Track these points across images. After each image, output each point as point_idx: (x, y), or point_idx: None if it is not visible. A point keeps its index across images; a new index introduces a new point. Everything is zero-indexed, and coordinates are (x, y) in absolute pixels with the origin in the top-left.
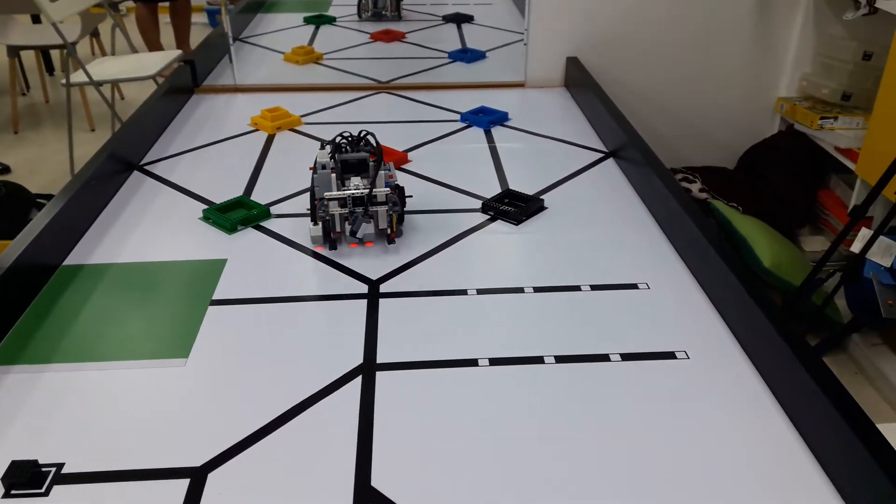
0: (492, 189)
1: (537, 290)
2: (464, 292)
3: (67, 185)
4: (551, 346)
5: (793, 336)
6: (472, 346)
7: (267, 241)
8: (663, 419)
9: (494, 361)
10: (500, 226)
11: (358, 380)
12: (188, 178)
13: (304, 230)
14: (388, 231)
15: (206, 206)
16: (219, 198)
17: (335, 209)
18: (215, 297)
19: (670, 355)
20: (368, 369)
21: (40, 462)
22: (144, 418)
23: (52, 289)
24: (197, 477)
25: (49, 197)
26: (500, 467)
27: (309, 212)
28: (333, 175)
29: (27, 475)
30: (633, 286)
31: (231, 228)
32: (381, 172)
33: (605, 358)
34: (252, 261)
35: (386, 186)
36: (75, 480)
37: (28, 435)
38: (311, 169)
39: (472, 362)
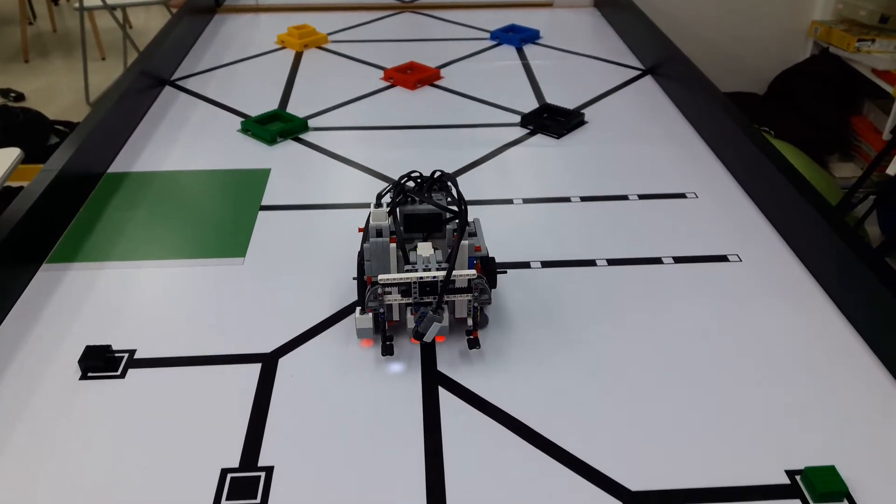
0: (529, 104)
1: (584, 199)
2: (510, 202)
3: (102, 96)
4: (602, 250)
5: (848, 231)
6: (523, 251)
7: (307, 153)
8: (719, 314)
9: (546, 264)
10: (540, 139)
11: None
12: (222, 92)
13: (344, 142)
14: (470, 325)
15: (243, 119)
16: (255, 111)
17: (394, 298)
18: (264, 203)
19: (722, 258)
20: None
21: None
22: (210, 310)
23: (101, 194)
24: (268, 362)
25: (66, 123)
26: (560, 358)
27: (357, 287)
28: (393, 245)
29: (102, 359)
30: (682, 195)
31: (271, 140)
32: (465, 243)
33: (657, 261)
34: (295, 170)
35: (470, 263)
36: (149, 365)
37: (97, 324)
38: (360, 231)
39: (525, 265)
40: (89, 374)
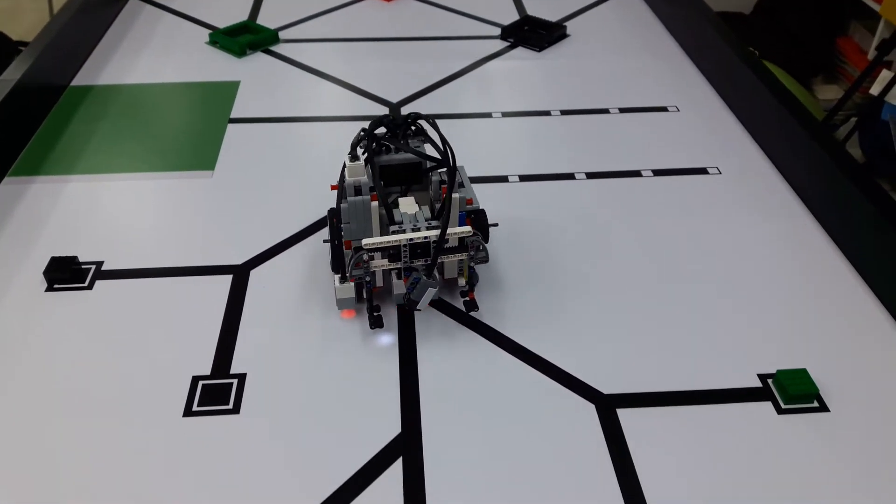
0: (509, 16)
1: (564, 112)
2: (488, 115)
3: (61, 9)
4: (581, 164)
5: (831, 143)
6: (501, 164)
7: (278, 65)
8: (697, 226)
9: (525, 178)
10: (521, 52)
11: None
12: (189, 3)
13: (317, 55)
14: (464, 287)
15: (211, 31)
16: (223, 23)
17: (380, 264)
18: (233, 115)
19: (702, 171)
20: None
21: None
22: (179, 222)
23: (64, 108)
24: (239, 274)
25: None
26: (539, 272)
27: (330, 250)
28: (375, 204)
29: (68, 270)
30: (663, 109)
31: (240, 52)
32: (455, 196)
33: (636, 174)
34: (265, 83)
35: (461, 219)
36: (117, 276)
37: (62, 237)
38: (332, 188)
39: (502, 178)
40: (55, 286)
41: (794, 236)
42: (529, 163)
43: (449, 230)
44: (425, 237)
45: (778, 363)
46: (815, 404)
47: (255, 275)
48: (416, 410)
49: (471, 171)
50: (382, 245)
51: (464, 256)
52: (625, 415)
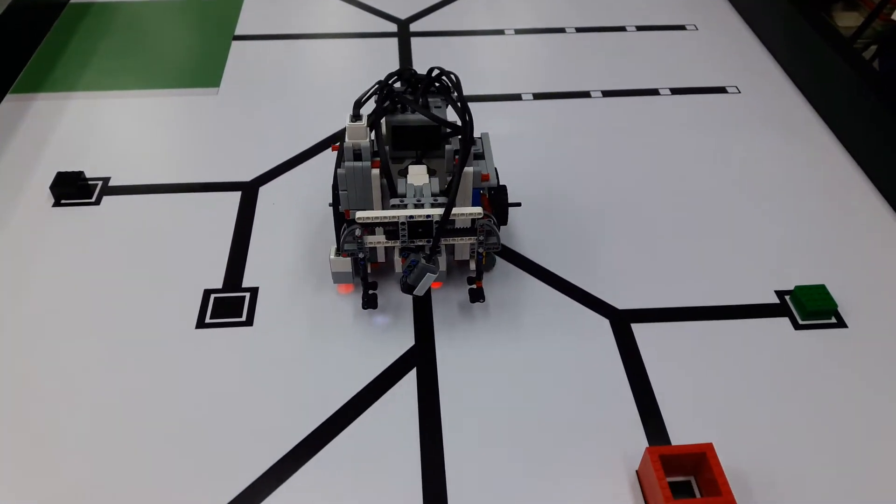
0: None
1: (580, 30)
2: (500, 32)
3: None
4: (597, 82)
5: (858, 60)
6: (515, 82)
7: None
8: (715, 145)
9: (539, 96)
10: None
11: None
12: None
13: None
14: (473, 272)
15: None
16: None
17: (377, 240)
18: (237, 33)
19: (721, 90)
20: None
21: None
22: (185, 139)
23: (64, 25)
24: (248, 190)
25: None
26: (554, 190)
27: (333, 218)
28: (376, 172)
29: (75, 185)
30: (681, 27)
31: None
32: (468, 170)
33: (654, 92)
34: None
35: (476, 196)
36: (124, 192)
37: (68, 153)
38: (333, 149)
39: (516, 97)
40: (63, 202)
41: (815, 155)
42: (544, 81)
43: (456, 210)
44: (427, 215)
45: (797, 280)
46: (833, 320)
47: (264, 191)
48: (430, 324)
49: (483, 90)
50: (379, 220)
51: (472, 240)
52: (639, 329)
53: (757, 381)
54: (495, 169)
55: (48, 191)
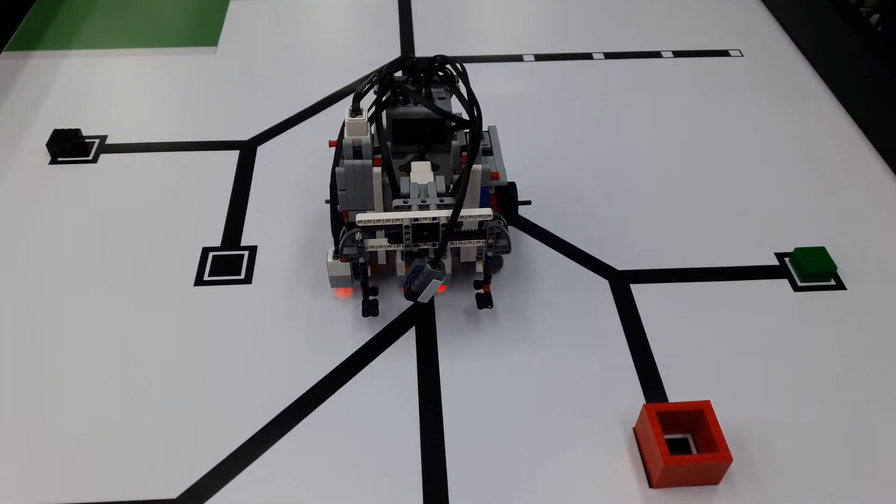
0: None
1: None
2: None
3: None
4: (599, 43)
5: (864, 23)
6: (515, 42)
7: None
8: (718, 108)
9: (540, 57)
10: None
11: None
12: None
13: None
14: (481, 276)
15: None
16: None
17: (379, 243)
18: None
19: (724, 53)
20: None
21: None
22: (183, 98)
23: None
24: (246, 149)
25: None
26: (553, 153)
27: (330, 217)
28: (377, 170)
29: (71, 143)
30: None
31: None
32: (477, 168)
33: (656, 55)
34: None
35: (484, 196)
36: (122, 150)
37: (64, 111)
38: (331, 144)
39: (517, 58)
40: (59, 159)
41: (818, 120)
42: (545, 42)
43: (464, 211)
44: (433, 218)
45: (797, 243)
46: (832, 283)
47: (262, 150)
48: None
49: (485, 51)
50: (381, 223)
51: (481, 243)
52: (638, 290)
53: (755, 341)
54: (504, 165)
55: (45, 148)
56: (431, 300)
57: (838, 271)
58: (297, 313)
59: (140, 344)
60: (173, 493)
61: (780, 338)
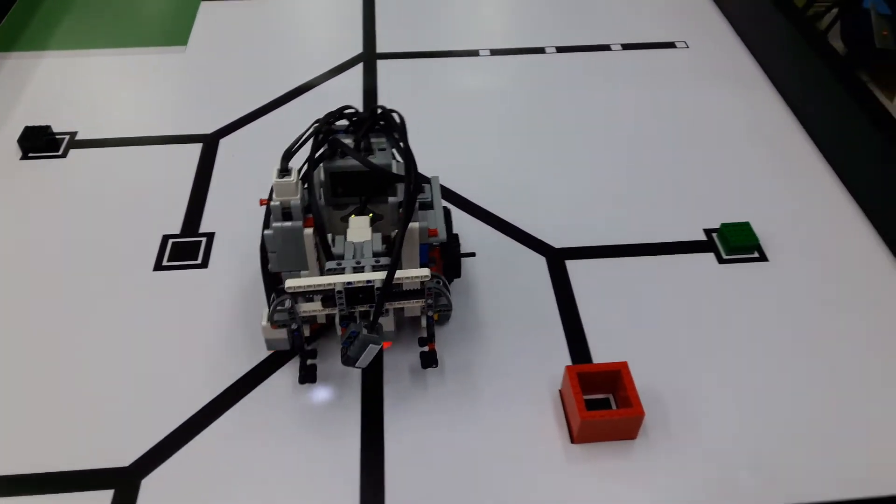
0: None
1: None
2: None
3: None
4: (551, 38)
5: (801, 18)
6: (471, 37)
7: None
8: (660, 97)
9: (495, 52)
10: None
11: (359, 67)
12: None
13: None
14: (425, 335)
15: None
16: None
17: (313, 308)
18: None
19: (670, 45)
20: (369, 59)
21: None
22: (152, 95)
23: None
24: (209, 142)
25: None
26: (500, 150)
27: (263, 281)
28: (308, 231)
29: (42, 139)
30: None
31: None
32: (414, 226)
33: (605, 48)
34: None
35: (423, 254)
36: (91, 146)
37: (37, 110)
38: (262, 203)
39: (473, 53)
40: (30, 154)
41: (754, 106)
42: (500, 36)
43: (400, 273)
44: (368, 281)
45: (725, 219)
46: (756, 255)
47: (225, 143)
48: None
49: (442, 46)
50: (312, 288)
51: (421, 303)
52: (573, 266)
53: (679, 310)
54: (448, 211)
55: (16, 144)
56: (378, 356)
57: (762, 244)
58: (250, 296)
59: (101, 324)
60: (126, 461)
61: (702, 306)
